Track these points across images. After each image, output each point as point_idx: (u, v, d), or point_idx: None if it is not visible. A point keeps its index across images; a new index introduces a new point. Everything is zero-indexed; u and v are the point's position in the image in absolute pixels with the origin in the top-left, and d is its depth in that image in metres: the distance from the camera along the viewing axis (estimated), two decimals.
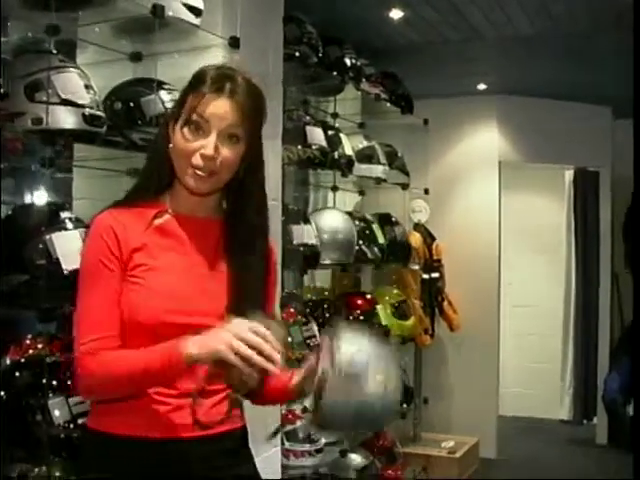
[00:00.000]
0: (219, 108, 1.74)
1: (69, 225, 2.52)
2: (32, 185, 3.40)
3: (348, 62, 4.55)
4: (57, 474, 2.70)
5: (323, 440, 3.95)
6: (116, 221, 1.78)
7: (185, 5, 2.94)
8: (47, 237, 2.42)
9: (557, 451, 6.52)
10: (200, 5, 3.00)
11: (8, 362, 2.80)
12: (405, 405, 5.06)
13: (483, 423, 6.22)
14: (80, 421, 2.39)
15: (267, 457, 3.38)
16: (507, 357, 7.13)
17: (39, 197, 3.09)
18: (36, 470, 2.67)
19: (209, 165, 1.75)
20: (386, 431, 4.89)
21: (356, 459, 4.38)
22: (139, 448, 1.76)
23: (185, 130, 1.75)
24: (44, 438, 2.37)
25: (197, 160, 1.74)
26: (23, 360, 2.68)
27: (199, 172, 1.75)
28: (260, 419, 3.32)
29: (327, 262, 4.29)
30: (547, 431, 7.08)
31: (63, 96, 2.46)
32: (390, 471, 4.73)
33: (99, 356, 1.70)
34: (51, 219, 2.51)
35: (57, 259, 2.41)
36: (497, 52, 5.28)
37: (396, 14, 4.52)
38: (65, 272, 2.42)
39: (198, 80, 1.78)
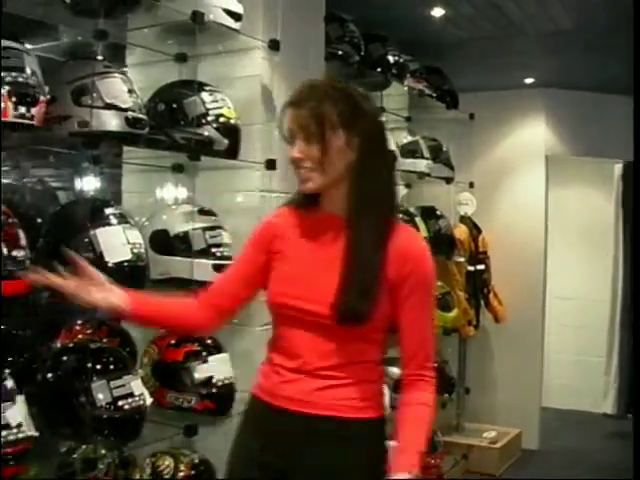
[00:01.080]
0: (292, 116, 2.00)
1: (113, 221, 2.67)
2: (85, 179, 3.59)
3: (391, 59, 4.62)
4: (102, 452, 2.90)
5: None
6: (275, 218, 2.17)
7: (225, 10, 3.07)
8: (92, 232, 2.58)
9: (600, 444, 6.52)
10: (240, 10, 3.13)
11: (59, 345, 3.00)
12: (447, 395, 5.15)
13: (526, 414, 6.25)
14: (120, 403, 2.56)
15: None
16: (552, 349, 7.15)
17: (89, 192, 3.27)
18: (83, 447, 2.86)
19: (298, 164, 1.99)
20: None
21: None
22: (257, 409, 2.09)
23: (287, 146, 2.04)
24: (87, 418, 2.52)
25: (293, 164, 2.01)
26: (71, 345, 2.86)
27: (300, 176, 2.01)
28: None
29: None
30: (590, 424, 7.06)
31: (107, 100, 2.61)
32: (429, 459, 4.81)
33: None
34: (96, 215, 2.65)
35: (101, 253, 2.57)
36: (541, 46, 5.29)
37: (437, 12, 4.59)
38: (109, 265, 2.59)
39: (283, 105, 2.05)
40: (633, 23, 3.41)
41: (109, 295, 2.06)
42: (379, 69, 4.58)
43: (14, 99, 2.27)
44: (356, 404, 1.98)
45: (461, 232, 5.80)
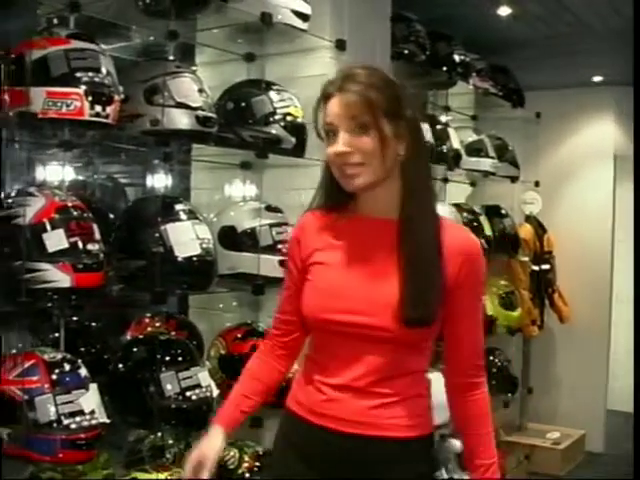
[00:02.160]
0: (335, 107, 1.79)
1: (183, 216, 2.75)
2: (155, 176, 3.69)
3: (457, 58, 4.63)
4: (170, 441, 2.98)
5: None
6: (301, 229, 1.97)
7: (293, 11, 3.13)
8: (162, 227, 2.66)
9: None
10: (308, 11, 3.18)
11: (129, 337, 3.10)
12: (510, 395, 5.14)
13: (591, 416, 6.18)
14: (188, 394, 2.63)
15: None
16: (619, 351, 7.05)
17: (159, 189, 3.37)
18: (151, 437, 2.95)
19: (346, 159, 1.77)
20: None
21: (456, 444, 4.44)
22: (297, 426, 1.92)
23: (327, 142, 1.83)
24: (156, 408, 2.60)
25: (337, 161, 1.80)
26: (141, 337, 2.95)
27: (345, 171, 1.79)
28: None
29: None
30: None
31: (178, 99, 2.69)
32: None
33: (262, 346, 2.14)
34: (167, 211, 2.73)
35: (171, 247, 2.65)
36: (610, 44, 5.22)
37: (504, 11, 4.57)
38: (179, 259, 2.66)
39: (319, 98, 1.87)
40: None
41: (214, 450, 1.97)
42: (445, 68, 4.59)
43: (90, 98, 2.37)
44: (408, 422, 1.85)
45: (526, 231, 5.77)
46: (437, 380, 4.30)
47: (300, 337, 2.03)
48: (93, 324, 3.03)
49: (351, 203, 1.91)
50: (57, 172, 3.05)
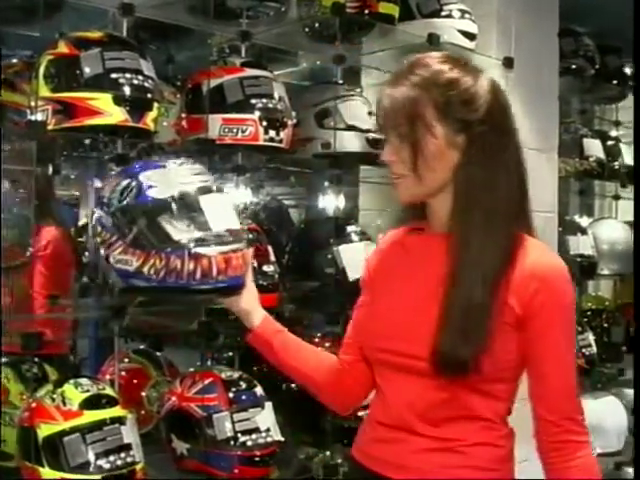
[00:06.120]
0: (381, 106, 1.60)
1: (355, 238, 2.77)
2: (323, 197, 3.74)
3: (628, 71, 4.49)
4: (339, 460, 2.99)
5: (598, 450, 3.91)
6: (374, 252, 1.81)
7: (460, 31, 3.11)
8: (335, 249, 2.69)
9: None
10: (474, 30, 3.15)
11: None
12: None
13: None
14: (360, 414, 2.63)
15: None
16: None
17: (326, 210, 3.41)
18: (320, 455, 2.97)
19: (391, 168, 1.58)
20: None
21: (633, 473, 4.26)
22: (355, 472, 1.74)
23: None
24: (328, 427, 2.63)
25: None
26: None
27: (394, 181, 1.61)
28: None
29: (606, 273, 4.28)
30: None
31: (348, 122, 2.74)
32: None
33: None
34: (339, 232, 2.77)
35: (343, 269, 2.67)
36: None
37: None
38: (351, 281, 2.65)
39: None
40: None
41: (253, 309, 1.86)
42: (615, 82, 4.46)
43: (265, 124, 2.44)
44: (462, 473, 1.56)
45: None
46: (611, 403, 4.16)
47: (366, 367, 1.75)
48: None
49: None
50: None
